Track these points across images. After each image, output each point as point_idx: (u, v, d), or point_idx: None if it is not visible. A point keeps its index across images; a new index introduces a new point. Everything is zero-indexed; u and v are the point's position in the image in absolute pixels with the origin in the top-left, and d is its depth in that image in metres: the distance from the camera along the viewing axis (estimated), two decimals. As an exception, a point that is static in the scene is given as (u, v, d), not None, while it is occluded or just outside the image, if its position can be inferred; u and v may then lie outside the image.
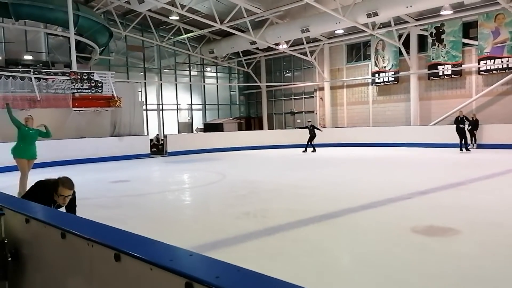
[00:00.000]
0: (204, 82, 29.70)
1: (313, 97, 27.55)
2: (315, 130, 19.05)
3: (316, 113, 27.23)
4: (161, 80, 27.24)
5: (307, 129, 19.22)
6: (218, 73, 30.61)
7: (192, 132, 27.91)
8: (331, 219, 5.78)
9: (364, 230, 5.14)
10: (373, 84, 23.77)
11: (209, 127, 26.42)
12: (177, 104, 28.13)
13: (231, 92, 31.69)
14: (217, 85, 30.30)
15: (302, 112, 28.38)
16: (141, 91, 24.89)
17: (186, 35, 25.44)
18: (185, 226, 5.77)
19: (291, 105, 29.06)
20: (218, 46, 26.82)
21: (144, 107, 24.63)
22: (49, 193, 3.71)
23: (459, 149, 16.37)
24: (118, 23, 23.23)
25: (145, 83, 26.18)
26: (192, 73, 29.25)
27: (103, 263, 1.27)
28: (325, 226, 5.46)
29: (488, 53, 19.18)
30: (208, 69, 30.33)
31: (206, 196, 8.52)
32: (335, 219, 5.78)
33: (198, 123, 29.03)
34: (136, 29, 25.18)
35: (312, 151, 18.62)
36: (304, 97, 28.16)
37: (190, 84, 28.86)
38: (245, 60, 29.46)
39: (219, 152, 20.44)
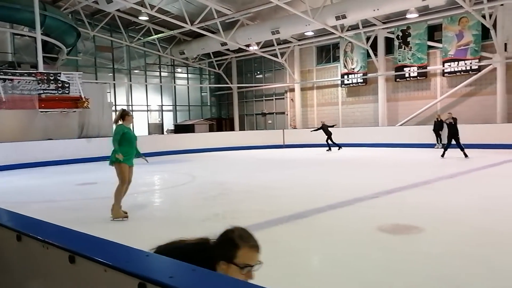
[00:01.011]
0: (174, 83, 29.45)
1: (284, 98, 27.76)
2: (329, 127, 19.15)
3: (287, 114, 27.45)
4: (130, 81, 26.83)
5: (321, 130, 19.26)
6: (189, 74, 30.42)
7: (163, 133, 27.61)
8: (300, 219, 5.84)
9: (332, 230, 5.22)
10: (342, 86, 24.16)
11: (179, 128, 26.22)
12: (147, 105, 27.78)
13: (202, 93, 31.56)
14: (188, 86, 30.11)
15: (273, 113, 28.55)
16: (110, 92, 24.47)
17: (156, 36, 25.17)
18: (153, 228, 5.71)
19: (262, 106, 29.19)
20: (188, 47, 26.64)
21: (113, 108, 24.21)
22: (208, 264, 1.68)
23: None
24: (86, 23, 22.75)
25: (114, 84, 25.72)
26: (162, 74, 28.97)
27: (58, 266, 1.25)
28: (294, 227, 5.52)
29: (452, 56, 19.81)
30: (179, 70, 30.11)
31: (176, 198, 8.45)
32: (304, 219, 5.84)
33: (168, 124, 28.76)
34: (105, 29, 24.72)
35: (339, 149, 18.89)
36: (275, 98, 28.34)
37: (161, 85, 28.56)
38: (216, 61, 29.39)
39: (190, 153, 20.30)
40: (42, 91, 15.65)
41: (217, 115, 31.72)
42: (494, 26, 17.95)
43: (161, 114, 28.82)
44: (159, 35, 25.16)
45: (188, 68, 30.14)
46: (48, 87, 15.89)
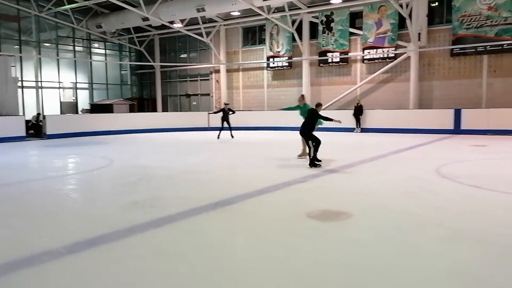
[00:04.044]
0: (91, 58, 27.44)
1: (209, 79, 27.15)
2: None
3: (212, 96, 26.91)
4: (40, 54, 24.47)
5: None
6: (107, 50, 28.52)
7: (77, 113, 25.75)
8: (226, 206, 5.50)
9: (260, 217, 4.95)
10: (268, 69, 24.13)
11: (96, 108, 24.55)
12: (59, 82, 25.63)
13: (122, 71, 29.82)
14: (106, 63, 28.22)
15: (198, 94, 27.84)
16: (15, 66, 22.14)
17: (69, 6, 23.05)
18: (62, 220, 5.03)
19: (186, 87, 28.33)
20: (106, 21, 24.87)
21: (20, 84, 21.96)
22: None
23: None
24: (-13, -12, 20.24)
25: (20, 57, 23.29)
26: (77, 48, 26.82)
27: None
28: (220, 215, 5.16)
29: (372, 43, 20.54)
30: (96, 45, 28.10)
31: (90, 184, 7.69)
32: (230, 206, 5.51)
33: (84, 103, 26.85)
34: (11, -4, 22.28)
35: (218, 137, 17.61)
36: (200, 79, 27.63)
37: (75, 61, 26.45)
38: (137, 37, 27.85)
39: (108, 135, 19.11)
40: None
41: (138, 95, 30.25)
42: (410, 16, 18.82)
43: (75, 92, 26.78)
44: (73, 5, 23.06)
45: (106, 43, 28.22)
46: None
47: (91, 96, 27.38)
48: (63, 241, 4.05)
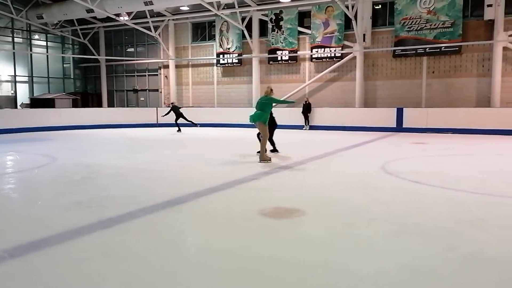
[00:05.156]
0: (31, 51, 25.99)
1: (157, 75, 26.61)
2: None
3: (161, 92, 26.40)
4: (-27, 45, 22.87)
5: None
6: (48, 42, 27.15)
7: (16, 107, 24.35)
8: (177, 205, 5.42)
9: (213, 215, 4.92)
10: (218, 65, 24.03)
11: (37, 103, 23.35)
12: (-5, 75, 24.10)
13: (64, 65, 28.50)
14: (48, 56, 26.85)
15: (146, 90, 27.20)
16: None
17: (6, -5, 21.73)
18: (1, 222, 4.73)
19: (133, 82, 27.59)
20: (48, 11, 23.66)
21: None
22: None
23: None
24: None
25: (-49, 47, 21.65)
26: (16, 40, 25.35)
27: None
28: (171, 214, 5.08)
29: (319, 42, 21.03)
30: (36, 36, 26.67)
31: (29, 184, 7.29)
32: (182, 205, 5.43)
33: (23, 97, 25.42)
34: None
35: (178, 131, 17.88)
36: (148, 75, 27.01)
37: (14, 53, 24.95)
38: (81, 30, 26.72)
39: (50, 131, 18.22)
40: None
41: (82, 90, 29.08)
42: (355, 17, 19.45)
43: (14, 85, 25.27)
44: (11, -6, 21.77)
45: (48, 35, 26.86)
46: None
47: (31, 90, 25.97)
48: (3, 245, 3.81)
